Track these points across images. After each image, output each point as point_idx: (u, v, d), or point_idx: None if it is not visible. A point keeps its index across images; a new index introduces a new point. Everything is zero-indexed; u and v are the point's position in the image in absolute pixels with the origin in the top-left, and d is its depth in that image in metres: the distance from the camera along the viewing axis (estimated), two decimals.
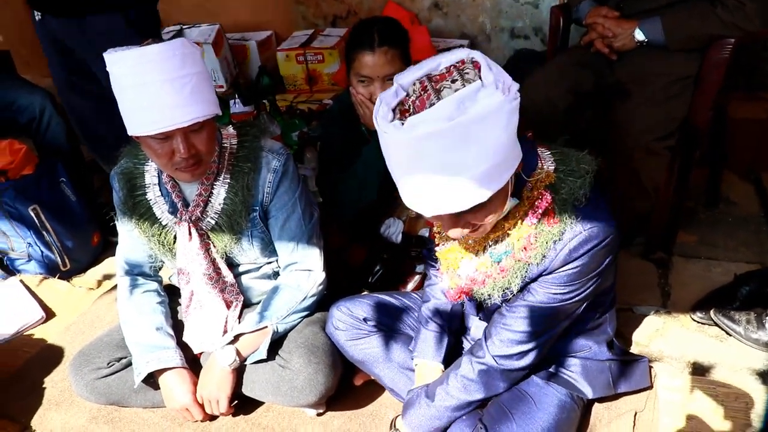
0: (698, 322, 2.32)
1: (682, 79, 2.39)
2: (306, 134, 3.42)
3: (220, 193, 1.97)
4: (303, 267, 2.09)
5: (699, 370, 2.13)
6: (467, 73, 1.31)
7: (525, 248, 1.56)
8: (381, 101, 1.35)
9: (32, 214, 2.94)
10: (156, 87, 1.68)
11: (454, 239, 1.59)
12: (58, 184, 3.10)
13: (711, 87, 2.38)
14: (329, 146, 2.55)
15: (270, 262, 2.14)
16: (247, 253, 2.07)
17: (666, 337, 2.29)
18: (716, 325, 2.27)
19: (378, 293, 2.16)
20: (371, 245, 2.53)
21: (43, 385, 2.40)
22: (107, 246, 3.23)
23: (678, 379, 2.09)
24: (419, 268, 2.49)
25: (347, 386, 2.14)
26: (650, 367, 2.04)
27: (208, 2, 4.54)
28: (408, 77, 1.37)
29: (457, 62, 1.35)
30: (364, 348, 2.03)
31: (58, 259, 3.04)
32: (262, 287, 2.18)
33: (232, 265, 2.11)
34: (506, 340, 1.70)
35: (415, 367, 1.96)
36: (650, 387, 2.00)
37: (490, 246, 1.63)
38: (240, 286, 2.15)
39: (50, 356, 2.56)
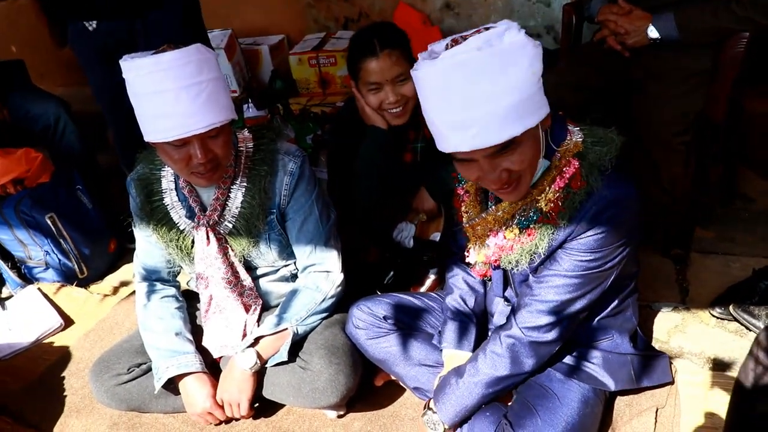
0: (717, 318, 2.32)
1: (697, 73, 2.38)
2: (320, 137, 3.44)
3: (237, 196, 1.98)
4: (321, 268, 2.10)
5: (719, 366, 2.13)
6: (494, 26, 1.43)
7: (552, 210, 1.60)
8: (421, 56, 1.47)
9: (49, 222, 2.97)
10: (172, 94, 1.69)
11: (496, 190, 1.61)
12: (75, 192, 3.13)
13: (726, 82, 2.38)
14: (339, 151, 2.56)
15: (288, 265, 2.16)
16: (265, 256, 2.09)
17: (685, 333, 2.29)
18: (735, 320, 2.26)
19: (398, 293, 2.17)
20: (384, 249, 2.54)
21: (64, 393, 2.43)
22: (124, 253, 3.27)
23: (698, 375, 2.08)
24: (432, 272, 2.50)
25: (368, 387, 2.15)
26: (671, 363, 2.04)
27: (221, 8, 4.56)
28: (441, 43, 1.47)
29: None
30: (385, 346, 2.04)
31: (76, 266, 3.07)
32: (280, 290, 2.19)
33: (250, 268, 2.12)
34: (534, 311, 1.71)
35: (444, 358, 1.96)
36: (671, 383, 2.00)
37: (518, 215, 1.66)
38: (258, 290, 2.16)
39: (70, 363, 2.59)
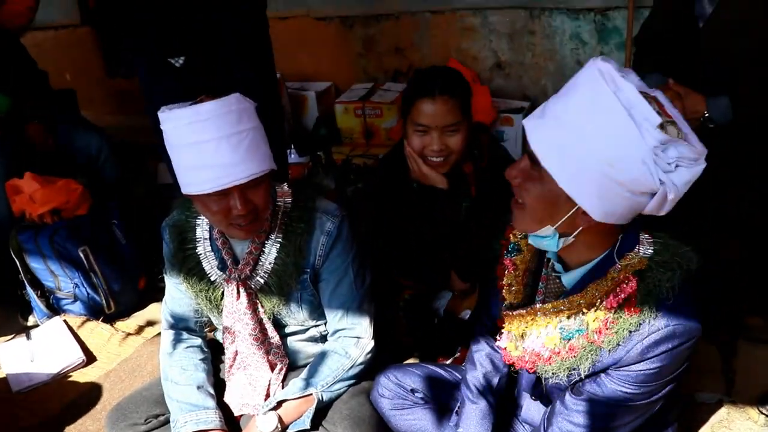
0: (767, 416, 2.18)
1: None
2: (361, 190, 3.41)
3: (271, 252, 1.94)
4: (352, 334, 2.03)
5: None
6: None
7: (599, 331, 1.47)
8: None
9: (82, 255, 2.96)
10: (213, 145, 1.66)
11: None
12: (110, 226, 3.12)
13: None
14: (374, 201, 2.52)
15: (318, 325, 2.09)
16: (295, 315, 2.03)
17: (731, 430, 2.16)
18: None
19: (428, 363, 2.10)
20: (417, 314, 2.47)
21: None
22: (154, 290, 3.22)
23: None
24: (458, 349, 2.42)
25: None
26: None
27: None
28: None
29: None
30: (409, 419, 1.96)
31: (104, 301, 3.04)
32: (308, 350, 2.12)
33: (278, 326, 2.06)
34: None
35: None
36: None
37: (562, 321, 1.55)
38: (285, 348, 2.09)
39: (88, 404, 2.55)
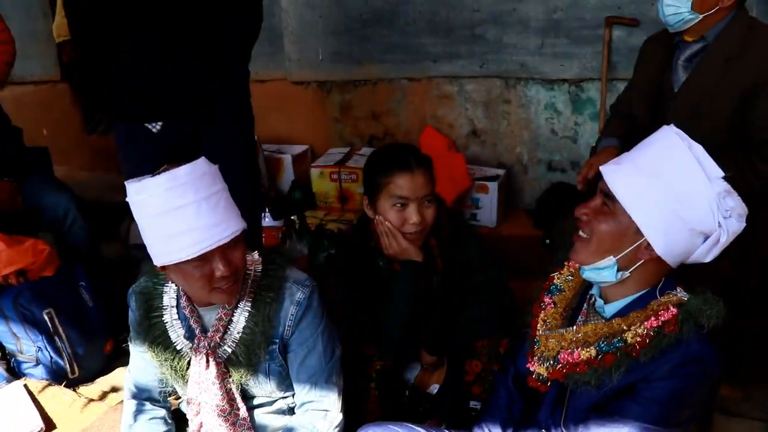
0: None
1: None
2: (334, 257, 3.33)
3: (239, 321, 1.90)
4: (320, 407, 1.98)
5: None
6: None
7: (637, 344, 1.56)
8: None
9: (46, 317, 2.88)
10: (193, 207, 1.65)
11: None
12: (77, 288, 3.05)
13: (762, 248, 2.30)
14: (344, 274, 2.47)
15: (286, 397, 2.04)
16: (263, 386, 1.98)
17: None
18: None
19: (411, 424, 2.01)
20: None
21: None
22: (120, 353, 3.13)
23: None
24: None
25: None
26: None
27: None
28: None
29: None
30: None
31: (67, 366, 2.95)
32: (275, 423, 2.07)
33: (245, 397, 2.01)
34: None
35: None
36: None
37: (601, 341, 1.62)
38: (252, 421, 2.04)
39: None
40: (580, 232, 1.68)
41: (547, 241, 3.47)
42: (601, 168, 1.61)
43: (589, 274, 1.68)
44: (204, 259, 1.71)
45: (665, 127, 1.58)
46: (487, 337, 2.32)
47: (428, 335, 2.34)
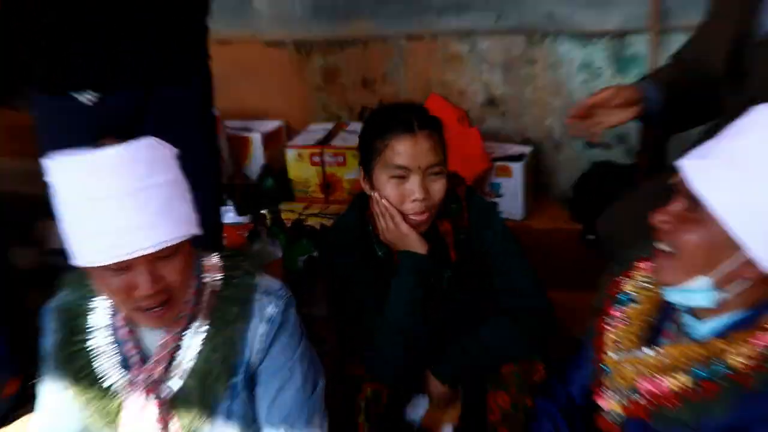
0: None
1: None
2: (316, 260, 3.33)
3: (191, 345, 1.80)
4: None
5: None
6: None
7: (747, 368, 1.50)
8: None
9: None
10: (112, 203, 1.55)
11: None
12: None
13: None
14: (345, 279, 2.41)
15: None
16: None
17: None
18: None
19: None
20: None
21: None
22: (29, 397, 3.02)
23: None
24: None
25: None
26: None
27: None
28: None
29: None
30: None
31: None
32: None
33: None
34: None
35: None
36: None
37: (695, 365, 1.56)
38: None
39: None
40: (661, 245, 1.60)
41: (589, 236, 3.43)
42: (681, 163, 1.54)
43: (677, 297, 1.62)
44: (125, 268, 1.62)
45: (761, 106, 1.49)
46: (518, 361, 2.27)
47: (437, 356, 2.28)
